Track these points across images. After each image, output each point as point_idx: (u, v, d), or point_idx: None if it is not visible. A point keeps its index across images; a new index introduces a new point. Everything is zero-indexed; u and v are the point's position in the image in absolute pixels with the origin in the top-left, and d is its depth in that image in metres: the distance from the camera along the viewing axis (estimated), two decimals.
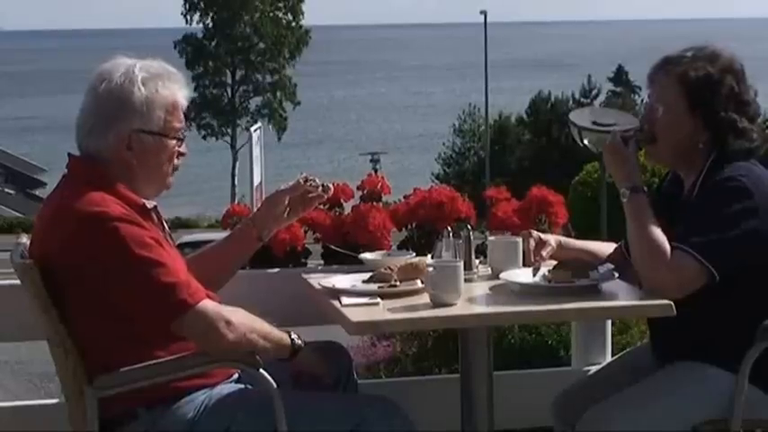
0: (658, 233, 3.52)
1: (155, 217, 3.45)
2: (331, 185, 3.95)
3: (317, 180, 3.86)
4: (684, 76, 3.64)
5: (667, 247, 3.48)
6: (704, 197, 3.56)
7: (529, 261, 3.82)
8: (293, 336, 3.46)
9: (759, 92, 3.75)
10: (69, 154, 3.47)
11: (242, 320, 3.29)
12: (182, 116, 3.49)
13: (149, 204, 3.44)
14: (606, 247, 4.02)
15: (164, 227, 3.51)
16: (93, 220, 3.24)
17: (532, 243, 3.85)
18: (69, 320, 3.29)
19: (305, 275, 3.97)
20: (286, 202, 3.82)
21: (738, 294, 3.51)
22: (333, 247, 4.22)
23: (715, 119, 3.61)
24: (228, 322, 3.25)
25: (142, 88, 3.39)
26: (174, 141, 3.47)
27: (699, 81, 3.62)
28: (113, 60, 3.47)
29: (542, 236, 3.90)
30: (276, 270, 4.15)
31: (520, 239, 3.88)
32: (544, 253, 3.84)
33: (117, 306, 3.26)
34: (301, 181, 3.84)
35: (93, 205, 3.26)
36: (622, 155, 3.70)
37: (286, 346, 3.43)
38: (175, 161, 3.50)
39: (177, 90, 3.47)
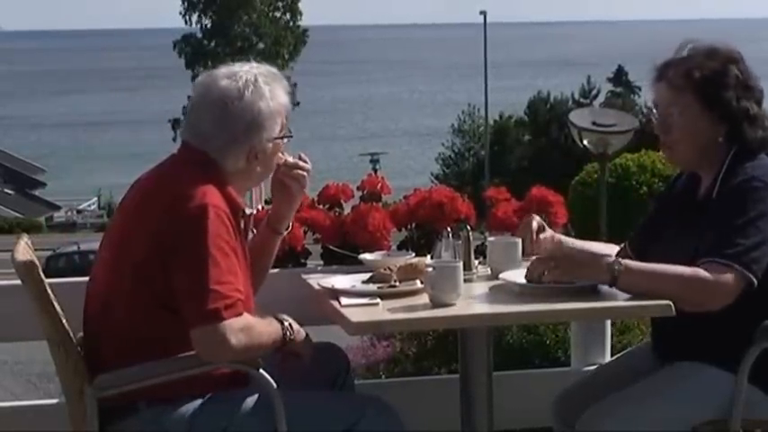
0: (673, 269, 3.45)
1: (243, 224, 3.48)
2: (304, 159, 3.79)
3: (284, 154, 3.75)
4: (690, 77, 3.62)
5: (695, 271, 3.42)
6: (727, 203, 3.53)
7: (528, 248, 3.81)
8: (285, 324, 3.44)
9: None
10: (186, 142, 3.51)
11: (241, 342, 3.24)
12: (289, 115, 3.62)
13: (248, 211, 3.52)
14: (606, 248, 4.02)
15: (247, 236, 3.55)
16: (192, 209, 3.28)
17: (535, 225, 3.85)
18: (118, 299, 3.33)
19: (304, 276, 3.98)
20: (278, 184, 3.75)
21: (740, 295, 3.50)
22: (332, 247, 4.23)
23: (729, 111, 3.60)
24: (227, 347, 3.21)
25: (269, 101, 3.49)
26: (285, 138, 3.60)
27: (706, 79, 3.61)
28: (231, 74, 3.51)
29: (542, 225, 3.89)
30: (276, 270, 4.14)
31: (519, 240, 3.87)
32: (542, 236, 3.83)
33: (170, 292, 3.27)
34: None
35: (199, 192, 3.31)
36: (575, 259, 3.64)
37: (279, 341, 3.43)
38: None
39: (285, 90, 3.58)
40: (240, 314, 3.25)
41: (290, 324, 3.45)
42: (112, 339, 3.36)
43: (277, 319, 3.45)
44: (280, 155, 3.67)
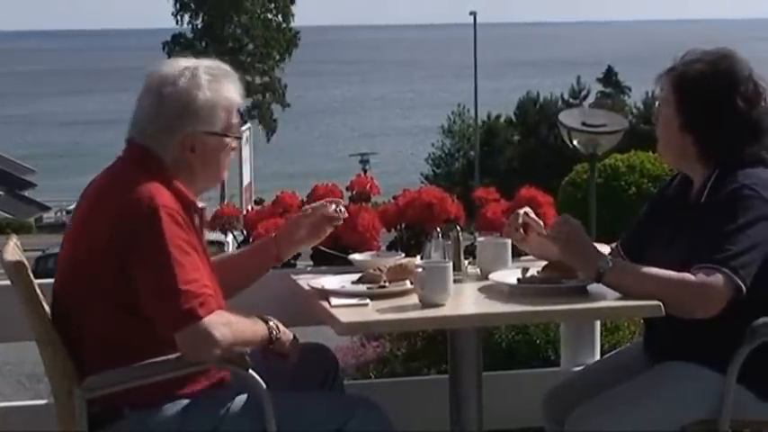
0: (662, 273, 3.45)
1: (197, 219, 3.46)
2: (344, 210, 3.91)
3: (342, 208, 3.86)
4: (676, 77, 3.66)
5: (683, 276, 3.42)
6: (717, 209, 3.53)
7: (513, 235, 3.82)
8: (271, 324, 3.43)
9: None
10: (130, 139, 3.48)
11: (226, 335, 3.23)
12: (237, 117, 3.56)
13: (200, 204, 3.49)
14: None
15: (202, 230, 3.52)
16: (143, 208, 3.26)
17: (522, 212, 3.86)
18: (84, 309, 3.31)
19: (294, 276, 3.98)
20: (306, 226, 3.82)
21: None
22: (322, 248, 4.22)
23: (699, 121, 3.62)
24: (213, 343, 3.20)
25: (207, 91, 3.44)
26: (232, 139, 3.54)
27: (688, 81, 3.63)
28: (173, 62, 3.51)
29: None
30: None
31: (509, 240, 3.88)
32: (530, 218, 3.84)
33: (136, 299, 3.26)
34: (331, 207, 3.83)
35: (147, 193, 3.29)
36: (578, 240, 3.56)
37: (265, 340, 3.42)
38: (231, 155, 3.57)
39: (235, 89, 3.54)
40: (214, 310, 3.23)
41: (275, 324, 3.44)
42: (79, 346, 3.33)
43: (262, 319, 3.45)
44: (341, 208, 3.80)
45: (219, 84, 3.48)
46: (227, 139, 3.51)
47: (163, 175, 3.38)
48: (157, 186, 3.32)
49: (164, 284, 3.21)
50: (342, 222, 3.89)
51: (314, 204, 3.90)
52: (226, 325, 3.24)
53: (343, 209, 3.87)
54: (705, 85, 3.62)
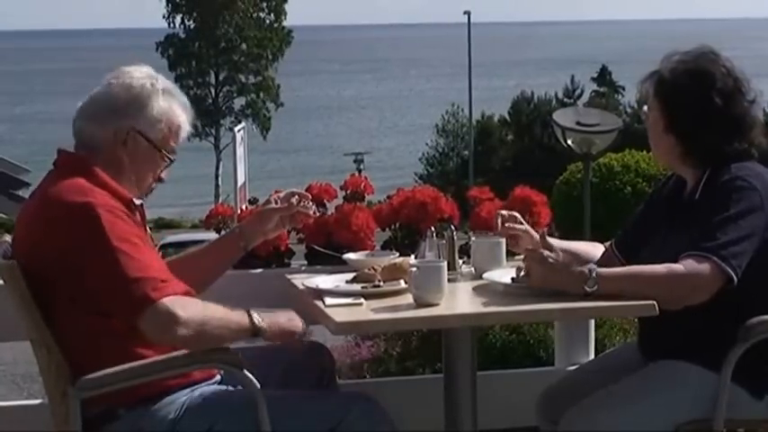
0: (648, 270, 3.46)
1: (138, 215, 3.46)
2: (311, 205, 3.95)
3: (310, 203, 3.90)
4: (656, 80, 3.68)
5: (669, 267, 3.42)
6: (710, 201, 3.54)
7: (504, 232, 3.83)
8: (254, 315, 3.37)
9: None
10: (59, 149, 3.50)
11: (193, 315, 3.22)
12: (178, 142, 3.57)
13: (137, 201, 3.47)
14: (590, 248, 4.02)
15: (145, 227, 3.52)
16: (79, 208, 3.27)
17: (502, 214, 3.86)
18: (54, 318, 3.30)
19: (288, 276, 3.98)
20: (276, 219, 3.84)
21: (723, 294, 3.50)
22: (316, 247, 4.22)
23: (683, 124, 3.63)
24: (177, 320, 3.19)
25: (159, 98, 3.48)
26: (163, 160, 3.54)
27: (666, 83, 3.64)
28: (137, 65, 3.55)
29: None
30: (259, 270, 4.15)
31: (503, 240, 3.88)
32: (519, 228, 3.85)
33: (94, 299, 3.26)
34: (294, 201, 3.86)
35: (81, 194, 3.30)
36: (551, 267, 3.50)
37: (245, 328, 3.36)
38: (154, 182, 3.57)
39: (186, 118, 3.57)
40: (169, 294, 3.22)
41: (257, 314, 3.38)
42: (67, 347, 3.32)
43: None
44: (309, 202, 3.85)
45: (173, 100, 3.53)
46: (158, 155, 3.52)
47: (95, 175, 3.39)
48: (91, 188, 3.33)
49: (116, 279, 3.22)
50: (312, 220, 3.95)
51: (281, 194, 3.91)
52: (189, 304, 3.23)
53: (310, 204, 3.90)
54: (682, 85, 3.63)
